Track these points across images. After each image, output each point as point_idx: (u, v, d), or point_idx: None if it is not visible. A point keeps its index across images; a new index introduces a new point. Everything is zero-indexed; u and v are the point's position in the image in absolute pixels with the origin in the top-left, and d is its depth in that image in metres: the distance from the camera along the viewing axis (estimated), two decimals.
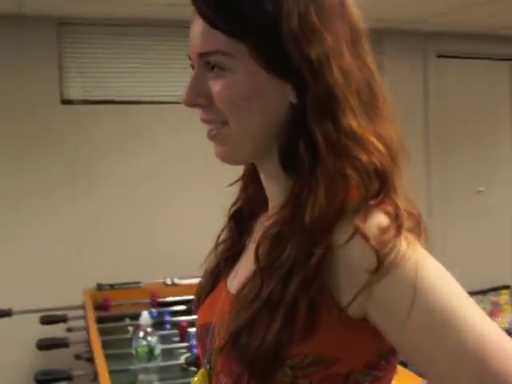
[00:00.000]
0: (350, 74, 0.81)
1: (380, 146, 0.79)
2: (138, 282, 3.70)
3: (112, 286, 3.66)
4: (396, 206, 0.76)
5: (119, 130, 4.11)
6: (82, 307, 3.41)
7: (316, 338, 0.76)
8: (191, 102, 0.86)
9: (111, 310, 3.43)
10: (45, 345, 3.02)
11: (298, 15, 0.79)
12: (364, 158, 0.77)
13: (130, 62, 4.16)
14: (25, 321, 3.39)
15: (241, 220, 1.01)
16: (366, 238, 0.73)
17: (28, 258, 3.91)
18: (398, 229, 0.74)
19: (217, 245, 1.02)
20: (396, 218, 0.75)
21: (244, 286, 0.82)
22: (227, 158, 0.88)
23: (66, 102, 4.03)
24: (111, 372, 2.34)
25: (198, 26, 0.84)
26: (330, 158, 0.78)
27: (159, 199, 4.13)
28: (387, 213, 0.76)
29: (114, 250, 4.00)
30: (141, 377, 2.46)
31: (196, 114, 0.88)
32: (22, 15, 3.83)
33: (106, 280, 3.68)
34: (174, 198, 4.15)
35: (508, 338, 0.72)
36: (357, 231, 0.73)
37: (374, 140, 0.79)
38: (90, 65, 4.08)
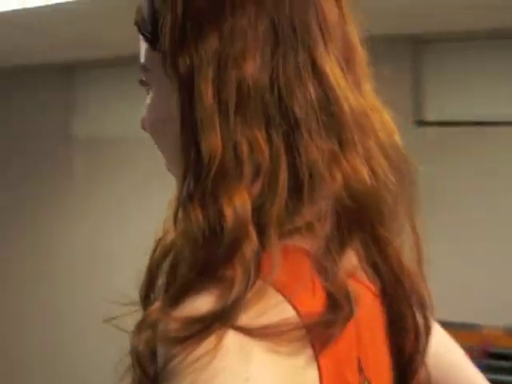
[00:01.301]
0: (247, 87, 0.57)
1: (242, 198, 0.54)
2: (475, 325, 2.81)
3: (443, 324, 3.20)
4: (229, 288, 0.51)
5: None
6: None
7: None
8: (143, 127, 0.73)
9: None
10: None
11: (183, 3, 0.59)
12: (195, 216, 0.55)
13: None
14: None
15: None
16: (158, 331, 0.53)
17: None
18: (209, 325, 0.50)
19: None
20: (219, 307, 0.51)
21: None
22: None
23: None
24: None
25: None
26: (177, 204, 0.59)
27: None
28: (220, 295, 0.51)
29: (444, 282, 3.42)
30: None
31: None
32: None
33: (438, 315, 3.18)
34: None
35: None
36: (155, 320, 0.54)
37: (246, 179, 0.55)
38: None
